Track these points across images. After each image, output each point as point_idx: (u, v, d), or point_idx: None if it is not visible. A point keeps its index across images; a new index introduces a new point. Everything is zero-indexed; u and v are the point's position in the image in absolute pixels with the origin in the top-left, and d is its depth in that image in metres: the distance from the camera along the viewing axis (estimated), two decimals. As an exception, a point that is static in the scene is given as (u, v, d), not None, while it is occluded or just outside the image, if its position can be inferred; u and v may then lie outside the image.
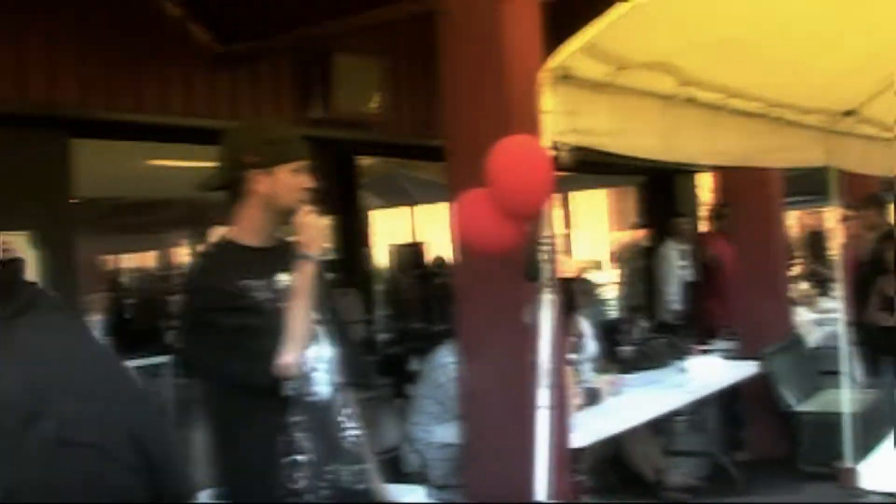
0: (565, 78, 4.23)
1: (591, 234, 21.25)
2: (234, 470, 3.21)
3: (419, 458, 6.05)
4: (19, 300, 1.57)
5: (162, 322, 10.58)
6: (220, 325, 3.10)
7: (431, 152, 6.37)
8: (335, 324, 3.38)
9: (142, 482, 1.52)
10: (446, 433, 5.82)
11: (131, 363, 7.82)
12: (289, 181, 3.22)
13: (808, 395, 8.07)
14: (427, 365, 6.32)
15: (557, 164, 4.19)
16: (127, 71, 6.76)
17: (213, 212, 10.72)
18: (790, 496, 7.19)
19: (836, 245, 7.72)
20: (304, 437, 3.15)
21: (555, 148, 4.18)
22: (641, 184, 14.63)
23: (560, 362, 4.62)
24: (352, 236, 10.33)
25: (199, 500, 4.46)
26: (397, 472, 5.80)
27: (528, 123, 4.36)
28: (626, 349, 8.08)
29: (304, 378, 3.16)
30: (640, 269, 12.67)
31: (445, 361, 5.91)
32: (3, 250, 6.16)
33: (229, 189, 3.28)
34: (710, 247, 10.23)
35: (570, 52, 4.16)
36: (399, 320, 11.75)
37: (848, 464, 6.56)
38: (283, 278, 3.19)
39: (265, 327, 3.08)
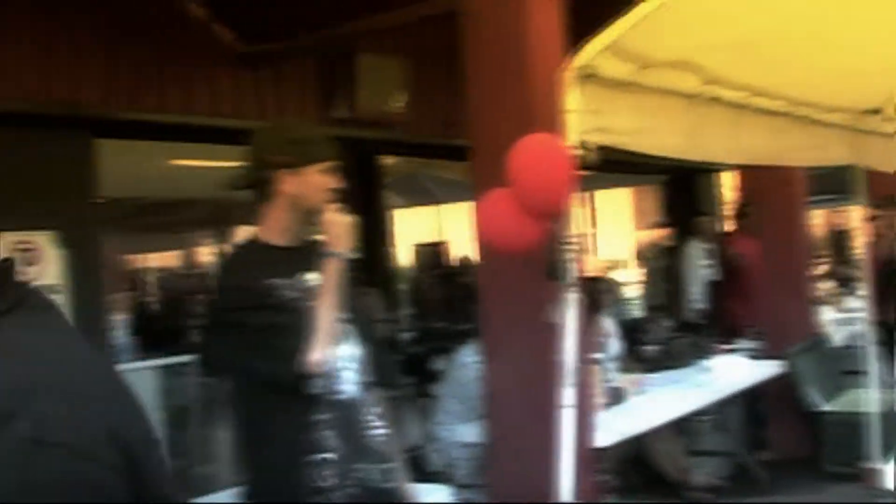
0: (589, 77, 4.23)
1: (613, 234, 21.20)
2: (259, 468, 3.22)
3: (442, 458, 6.06)
4: (7, 299, 1.57)
5: (185, 321, 10.61)
6: (247, 324, 3.11)
7: (454, 152, 6.38)
8: (361, 323, 3.39)
9: (122, 482, 1.52)
10: (469, 432, 5.82)
11: (155, 362, 7.87)
12: (316, 181, 3.23)
13: (832, 395, 8.02)
14: (450, 364, 6.33)
15: (581, 164, 4.19)
16: (151, 71, 6.79)
17: (236, 211, 10.78)
18: (814, 496, 7.16)
19: (860, 244, 7.68)
20: (330, 436, 3.16)
21: (579, 147, 4.18)
22: (664, 183, 14.59)
23: (583, 361, 4.61)
24: (374, 236, 10.33)
25: (224, 499, 4.48)
26: (420, 471, 5.80)
27: (551, 122, 4.36)
28: (650, 348, 8.06)
29: (331, 377, 3.17)
30: (663, 268, 12.63)
31: (468, 361, 5.91)
32: (25, 250, 6.20)
33: (256, 189, 3.30)
34: (733, 246, 10.18)
35: (595, 50, 4.16)
36: (422, 320, 11.74)
37: (872, 464, 6.55)
38: (309, 277, 3.21)
39: (292, 326, 3.09)
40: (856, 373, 7.49)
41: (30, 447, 1.41)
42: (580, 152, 4.19)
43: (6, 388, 1.46)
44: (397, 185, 12.16)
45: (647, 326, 9.30)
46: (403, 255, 14.42)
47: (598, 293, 6.37)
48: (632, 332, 8.37)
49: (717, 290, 10.51)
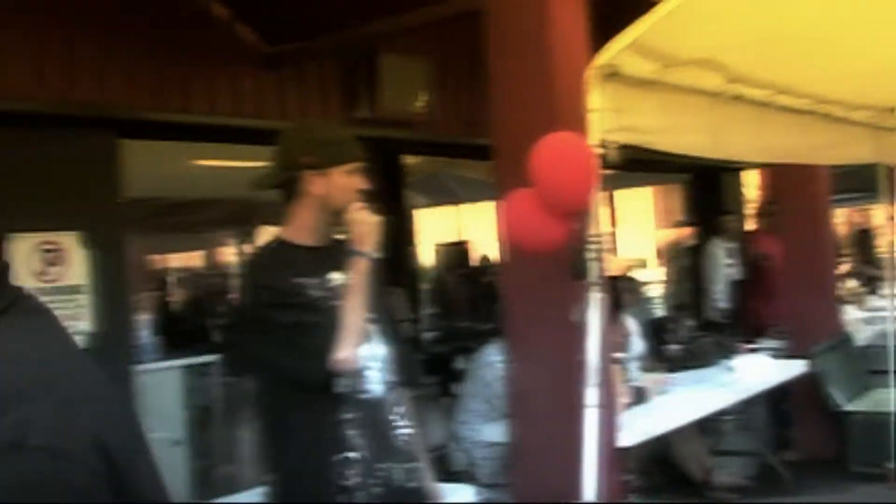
0: (613, 75, 4.22)
1: (636, 233, 21.14)
2: (285, 467, 3.23)
3: (466, 457, 6.06)
4: (0, 302, 1.58)
5: (209, 321, 10.64)
6: (274, 323, 3.12)
7: (477, 151, 6.37)
8: (387, 322, 3.39)
9: (103, 487, 1.52)
10: (493, 432, 5.82)
11: (179, 362, 7.90)
12: (343, 182, 3.24)
13: (858, 395, 7.99)
14: (474, 364, 6.32)
15: (605, 162, 4.18)
16: (174, 72, 6.81)
17: (259, 211, 10.80)
18: (839, 497, 7.13)
19: (884, 242, 7.65)
20: (355, 435, 3.17)
21: (602, 146, 4.17)
22: (687, 181, 14.54)
23: (608, 361, 4.60)
24: (398, 235, 10.33)
25: (248, 499, 4.49)
26: (444, 470, 5.80)
27: (575, 121, 4.36)
28: (673, 348, 8.04)
29: (357, 376, 3.18)
30: (686, 267, 12.60)
31: (492, 360, 5.91)
32: (50, 250, 6.23)
33: (283, 189, 3.31)
34: (756, 245, 10.15)
35: (618, 49, 4.16)
36: (445, 319, 11.74)
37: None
38: (336, 277, 3.21)
39: (318, 325, 3.10)
40: (881, 372, 7.46)
41: (8, 450, 1.41)
42: (603, 151, 4.18)
43: None
44: (419, 185, 12.16)
45: (670, 326, 9.28)
46: (426, 254, 14.41)
47: (620, 292, 6.36)
48: (655, 331, 8.35)
49: (740, 289, 10.48)
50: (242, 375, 6.98)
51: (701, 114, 4.85)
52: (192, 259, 16.29)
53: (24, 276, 6.07)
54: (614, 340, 5.71)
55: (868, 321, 9.98)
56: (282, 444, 3.23)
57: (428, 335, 10.56)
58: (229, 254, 14.68)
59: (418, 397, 3.60)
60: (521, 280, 5.22)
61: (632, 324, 6.99)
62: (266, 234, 10.32)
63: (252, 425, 7.15)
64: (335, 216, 3.28)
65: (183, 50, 6.85)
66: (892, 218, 7.59)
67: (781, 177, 8.57)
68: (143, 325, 8.29)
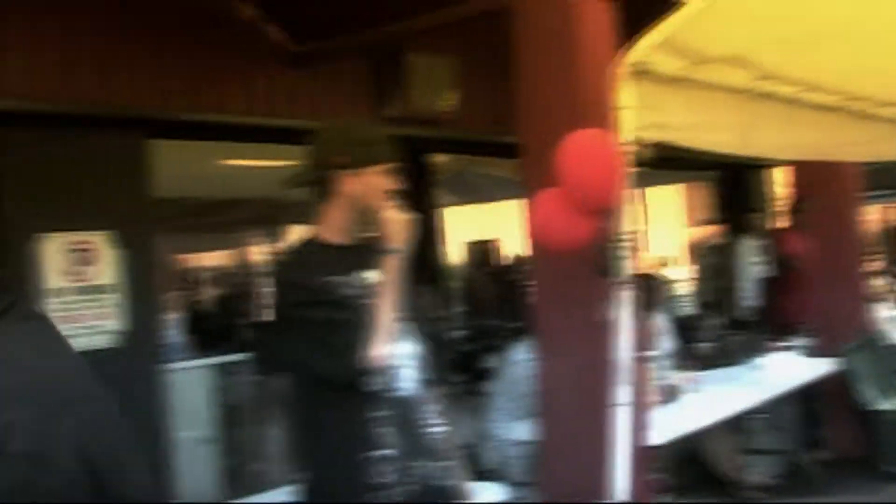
0: (642, 73, 4.21)
1: (664, 231, 21.08)
2: (317, 465, 3.24)
3: (496, 456, 6.05)
4: None
5: (238, 320, 10.68)
6: (306, 321, 3.13)
7: (504, 149, 6.36)
8: (418, 320, 3.40)
9: (86, 496, 1.52)
10: (522, 430, 5.82)
11: (208, 361, 7.93)
12: (376, 182, 3.25)
13: (888, 394, 7.94)
14: (502, 362, 6.32)
15: (634, 160, 4.17)
16: (204, 71, 6.84)
17: (288, 211, 10.83)
18: (870, 496, 7.09)
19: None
20: (388, 433, 3.18)
21: (632, 144, 4.16)
22: (715, 179, 14.48)
23: (637, 359, 4.59)
24: (425, 234, 10.34)
25: (278, 497, 4.51)
26: (472, 469, 5.80)
27: (602, 119, 4.35)
28: (702, 346, 8.01)
29: (389, 373, 3.18)
30: (714, 265, 12.56)
31: (521, 358, 5.90)
32: (82, 250, 6.26)
33: (315, 188, 3.31)
34: (785, 242, 10.11)
35: (647, 46, 4.15)
36: (472, 317, 11.74)
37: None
38: (367, 275, 3.22)
39: (351, 322, 3.11)
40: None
41: None
42: (633, 149, 4.17)
43: None
44: (446, 183, 12.15)
45: (698, 324, 9.25)
46: (453, 253, 14.41)
47: (649, 290, 6.34)
48: (683, 329, 8.32)
49: (768, 286, 10.44)
50: (270, 374, 7.01)
51: (730, 111, 4.84)
52: (221, 258, 16.34)
53: (55, 275, 6.11)
54: (643, 339, 5.70)
55: (898, 319, 9.93)
56: (313, 443, 3.23)
57: (456, 333, 10.56)
58: (257, 253, 14.73)
59: (446, 396, 3.60)
60: (549, 278, 5.21)
61: (660, 322, 6.97)
62: (294, 233, 10.34)
63: (280, 423, 7.18)
64: (366, 215, 3.29)
65: (211, 50, 6.88)
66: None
67: (811, 174, 8.52)
68: (172, 325, 8.33)
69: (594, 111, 4.66)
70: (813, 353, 7.91)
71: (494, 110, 8.28)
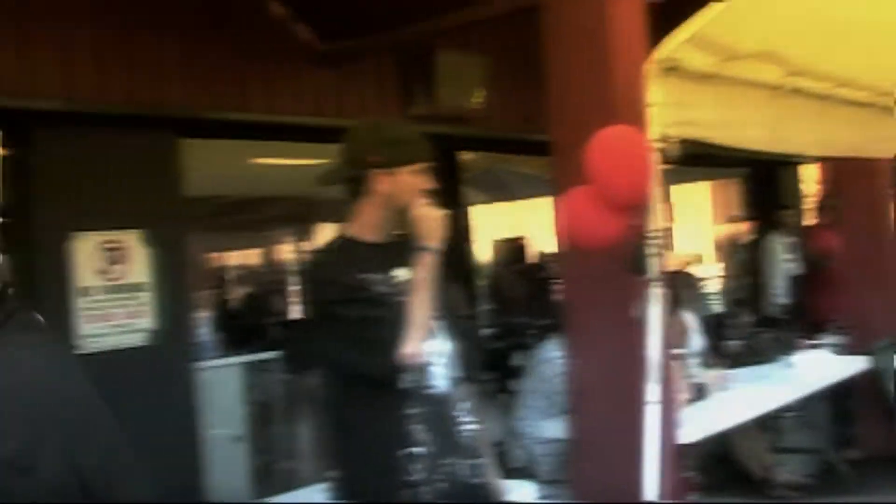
0: (672, 70, 4.21)
1: (693, 228, 21.02)
2: (350, 462, 3.25)
3: (525, 454, 6.05)
4: None
5: (268, 319, 10.72)
6: (339, 318, 3.14)
7: (534, 147, 6.37)
8: (450, 317, 3.40)
9: (73, 501, 1.52)
10: (552, 428, 5.82)
11: (238, 359, 7.96)
12: (410, 182, 3.26)
13: (921, 392, 7.89)
14: (533, 360, 6.32)
15: (664, 157, 4.16)
16: (233, 70, 6.87)
17: (318, 209, 10.86)
18: (902, 495, 7.05)
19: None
20: (420, 430, 3.18)
21: (662, 140, 4.16)
22: (745, 176, 14.42)
23: (667, 357, 4.58)
24: (455, 231, 10.32)
25: (309, 495, 4.52)
26: (503, 467, 5.80)
27: (633, 116, 4.35)
28: (733, 344, 7.98)
29: (422, 371, 3.19)
30: (745, 262, 12.51)
31: (551, 356, 5.90)
32: (113, 249, 6.30)
33: (349, 186, 3.32)
34: (816, 239, 10.06)
35: (677, 43, 4.14)
36: (502, 315, 11.73)
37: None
38: (401, 273, 3.23)
39: (384, 320, 3.12)
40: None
41: None
42: (663, 146, 4.16)
43: None
44: (476, 181, 12.15)
45: (729, 322, 9.22)
46: (483, 250, 14.41)
47: (679, 288, 6.32)
48: (714, 327, 8.30)
49: (799, 284, 10.39)
50: (302, 372, 7.03)
51: (760, 107, 4.82)
52: (252, 257, 16.40)
53: (88, 274, 6.15)
54: (673, 336, 5.69)
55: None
56: (346, 440, 3.24)
57: (485, 331, 10.56)
58: (288, 251, 14.77)
59: (477, 393, 3.60)
60: (579, 276, 5.21)
61: (691, 320, 6.95)
62: (324, 231, 10.37)
63: (311, 421, 7.20)
64: (399, 214, 3.30)
65: (241, 49, 6.91)
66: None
67: (841, 170, 8.48)
68: (204, 323, 8.38)
69: (625, 108, 4.65)
70: (844, 350, 7.86)
71: (524, 108, 8.27)
